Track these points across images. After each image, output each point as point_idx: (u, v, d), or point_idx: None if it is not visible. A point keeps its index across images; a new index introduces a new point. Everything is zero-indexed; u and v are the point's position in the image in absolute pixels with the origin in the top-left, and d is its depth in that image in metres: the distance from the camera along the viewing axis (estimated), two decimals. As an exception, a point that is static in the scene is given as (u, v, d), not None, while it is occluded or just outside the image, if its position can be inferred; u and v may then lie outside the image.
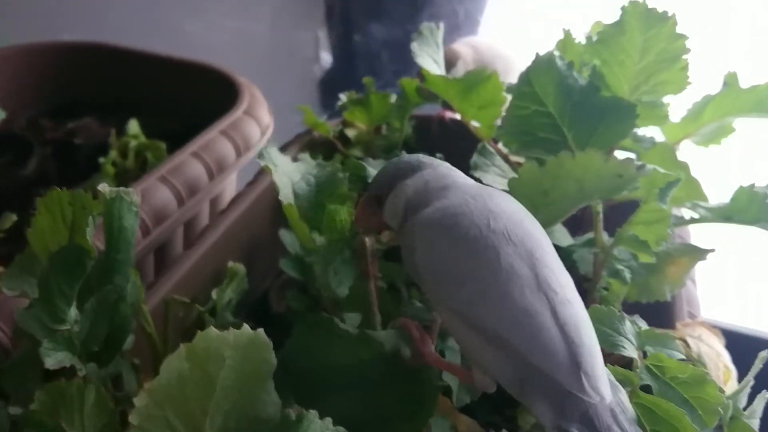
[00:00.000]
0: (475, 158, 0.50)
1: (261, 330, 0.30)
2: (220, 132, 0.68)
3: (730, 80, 0.51)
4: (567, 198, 0.39)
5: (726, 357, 0.47)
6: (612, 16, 0.58)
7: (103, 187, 0.35)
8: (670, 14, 0.42)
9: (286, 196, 0.41)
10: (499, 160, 0.50)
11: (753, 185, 0.43)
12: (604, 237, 0.44)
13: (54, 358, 0.31)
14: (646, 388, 0.34)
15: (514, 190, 0.41)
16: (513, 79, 0.70)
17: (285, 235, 0.59)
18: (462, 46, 0.69)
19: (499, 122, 0.59)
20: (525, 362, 0.30)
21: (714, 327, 0.49)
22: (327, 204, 0.42)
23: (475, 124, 0.61)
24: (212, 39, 1.07)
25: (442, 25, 0.58)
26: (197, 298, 0.50)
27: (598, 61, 0.46)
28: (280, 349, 0.55)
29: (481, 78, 0.56)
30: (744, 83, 0.51)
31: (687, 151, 0.55)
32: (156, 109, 0.82)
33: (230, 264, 0.53)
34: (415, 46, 0.55)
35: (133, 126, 0.74)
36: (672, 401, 0.32)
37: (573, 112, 0.45)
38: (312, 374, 0.36)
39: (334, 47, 0.92)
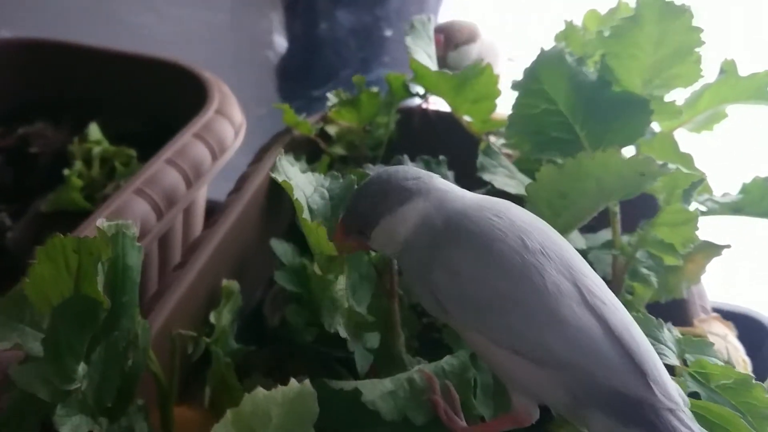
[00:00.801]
0: (481, 159, 0.48)
1: (307, 382, 0.27)
2: (194, 135, 0.64)
3: (728, 68, 0.50)
4: (587, 199, 0.38)
5: (742, 349, 0.47)
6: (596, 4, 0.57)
7: (102, 223, 0.31)
8: (686, 7, 0.40)
9: (306, 214, 0.38)
10: (505, 161, 0.48)
11: (766, 177, 0.43)
12: (623, 238, 0.43)
13: (70, 425, 0.28)
14: (692, 396, 0.34)
15: (532, 194, 0.39)
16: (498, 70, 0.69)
17: (277, 245, 0.56)
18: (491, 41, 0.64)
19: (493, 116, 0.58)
20: (584, 380, 0.29)
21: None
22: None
23: (467, 118, 0.59)
24: (162, 30, 1.01)
25: (433, 17, 0.55)
26: (197, 324, 0.47)
27: (606, 55, 0.45)
28: (282, 366, 0.53)
29: (475, 72, 0.54)
30: (742, 71, 0.50)
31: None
32: (114, 111, 0.76)
33: (225, 282, 0.50)
34: (408, 40, 0.52)
35: (94, 131, 0.68)
36: (721, 408, 0.32)
37: (585, 109, 0.44)
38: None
39: (294, 34, 0.88)
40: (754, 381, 0.33)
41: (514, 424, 0.32)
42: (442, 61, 0.64)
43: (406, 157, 0.48)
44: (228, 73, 0.79)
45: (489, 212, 0.32)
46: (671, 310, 0.46)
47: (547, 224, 0.33)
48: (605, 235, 0.47)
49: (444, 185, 0.35)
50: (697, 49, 0.42)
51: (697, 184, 0.38)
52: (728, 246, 0.44)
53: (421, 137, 0.69)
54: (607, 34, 0.43)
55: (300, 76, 0.91)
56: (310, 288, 0.54)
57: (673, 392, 0.29)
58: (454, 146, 0.63)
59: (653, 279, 0.40)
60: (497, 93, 0.55)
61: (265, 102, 1.02)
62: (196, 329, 0.48)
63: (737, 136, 0.58)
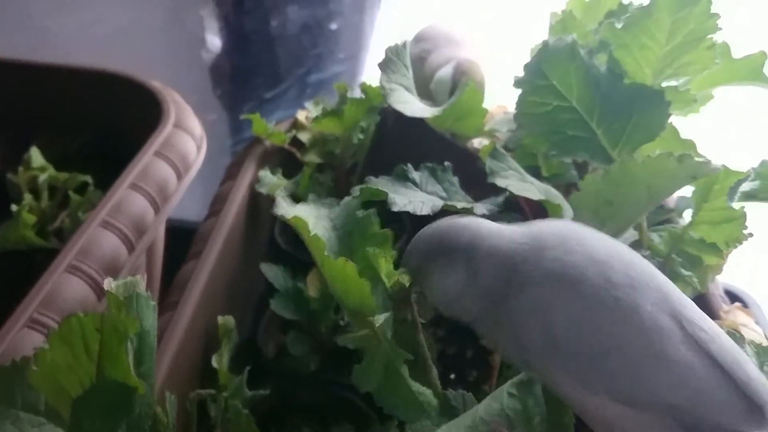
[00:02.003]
0: (490, 163, 0.45)
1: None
2: (155, 154, 0.58)
3: (721, 50, 0.49)
4: (634, 205, 0.36)
5: (762, 334, 0.46)
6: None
7: (110, 285, 0.26)
8: (705, -7, 0.39)
9: (327, 252, 0.34)
10: (513, 162, 0.45)
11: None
12: (654, 238, 0.41)
13: None
14: None
15: (576, 205, 0.37)
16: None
17: (268, 270, 0.52)
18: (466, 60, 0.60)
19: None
20: (691, 421, 0.27)
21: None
22: (360, 248, 0.36)
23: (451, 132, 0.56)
24: (87, 35, 0.92)
25: (408, 42, 0.52)
26: (197, 370, 0.42)
27: (614, 46, 0.43)
28: (288, 402, 0.49)
29: (455, 97, 0.51)
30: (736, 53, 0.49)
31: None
32: (53, 132, 0.68)
33: (221, 320, 0.45)
34: (383, 79, 0.48)
35: (36, 156, 0.61)
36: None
37: (601, 105, 0.42)
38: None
39: (241, 32, 0.82)
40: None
41: None
42: (422, 84, 0.60)
43: (410, 166, 0.45)
44: (164, 79, 0.72)
45: (556, 249, 0.29)
46: (696, 303, 0.44)
47: (624, 245, 0.30)
48: (628, 235, 0.45)
49: (494, 229, 0.31)
50: (710, 36, 0.41)
51: (742, 180, 0.36)
52: (752, 235, 0.43)
53: (393, 136, 0.66)
54: (619, 25, 0.41)
55: (248, 78, 0.86)
56: (309, 312, 0.51)
57: None
58: (429, 146, 0.60)
59: (694, 280, 0.39)
60: (483, 110, 0.52)
61: (211, 107, 0.96)
62: (196, 376, 0.43)
63: (719, 117, 0.57)
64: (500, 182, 0.43)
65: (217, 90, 0.87)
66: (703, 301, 0.45)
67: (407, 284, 0.34)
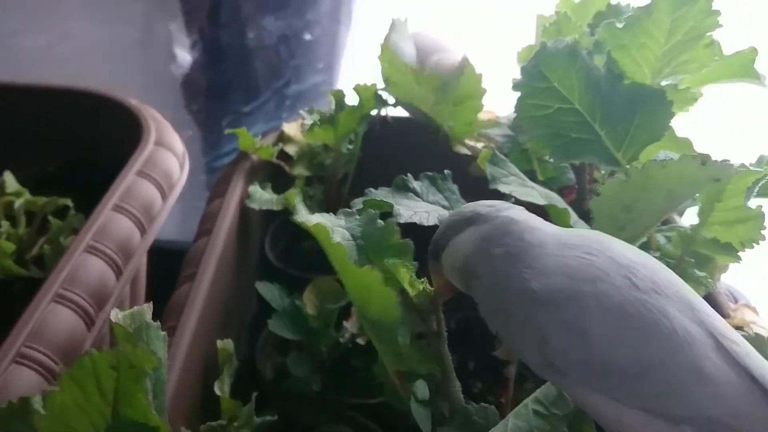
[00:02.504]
0: (491, 170, 0.44)
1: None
2: (138, 173, 0.56)
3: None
4: (653, 210, 0.35)
5: (769, 331, 0.46)
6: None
7: (116, 316, 0.25)
8: (705, -10, 0.38)
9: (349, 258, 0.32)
10: (513, 167, 0.44)
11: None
12: (660, 239, 0.40)
13: None
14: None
15: (596, 210, 0.36)
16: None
17: (264, 289, 0.50)
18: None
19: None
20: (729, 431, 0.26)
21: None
22: (378, 259, 0.34)
23: (449, 124, 0.55)
24: (54, 54, 0.89)
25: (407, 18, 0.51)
26: (196, 398, 0.40)
27: (611, 46, 0.42)
28: (283, 418, 0.47)
29: (455, 73, 0.50)
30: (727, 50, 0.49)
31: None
32: (27, 154, 0.66)
33: (220, 344, 0.43)
34: (392, 43, 0.47)
35: (10, 181, 0.58)
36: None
37: (603, 106, 0.41)
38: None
39: (217, 46, 0.81)
40: None
41: None
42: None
43: (410, 176, 0.44)
44: (134, 96, 0.70)
45: (579, 249, 0.28)
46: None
47: (647, 255, 0.30)
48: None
49: (520, 215, 0.31)
50: (709, 33, 0.40)
51: (760, 180, 0.36)
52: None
53: (380, 145, 0.65)
54: (620, 25, 0.40)
55: (225, 92, 0.84)
56: (309, 331, 0.49)
57: None
58: (418, 153, 0.59)
59: (709, 280, 0.38)
60: (482, 91, 0.51)
61: (184, 123, 0.93)
62: (198, 404, 0.41)
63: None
64: (503, 188, 0.42)
65: (193, 105, 0.85)
66: (711, 299, 0.45)
67: (431, 293, 0.33)
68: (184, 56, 1.02)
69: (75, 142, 0.66)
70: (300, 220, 0.33)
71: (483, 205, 0.32)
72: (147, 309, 0.26)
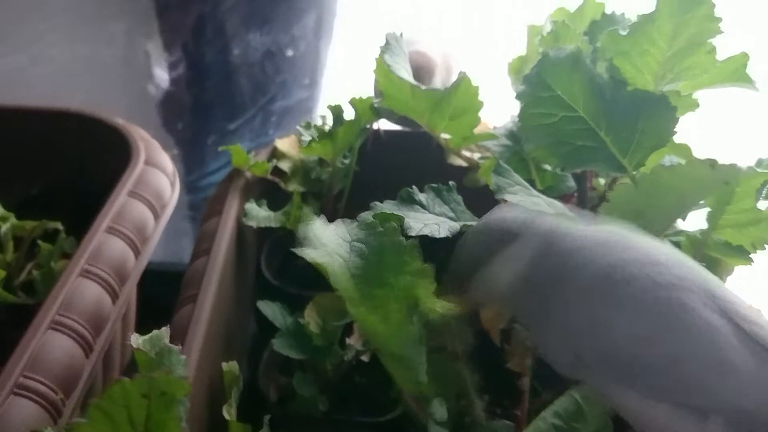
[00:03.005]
0: (496, 180, 0.43)
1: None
2: (129, 194, 0.54)
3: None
4: (665, 215, 0.35)
5: None
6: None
7: (137, 341, 0.24)
8: (707, -4, 0.39)
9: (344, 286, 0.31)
10: (517, 177, 0.44)
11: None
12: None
13: None
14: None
15: (607, 216, 0.36)
16: (444, 80, 0.65)
17: (266, 308, 0.49)
18: (430, 51, 0.59)
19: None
20: (757, 422, 0.26)
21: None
22: (394, 279, 0.33)
23: (445, 136, 0.55)
24: (33, 73, 0.88)
25: (403, 33, 0.50)
26: (202, 423, 0.39)
27: (614, 53, 0.42)
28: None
29: (452, 85, 0.50)
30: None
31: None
32: (9, 177, 0.64)
33: (226, 366, 0.42)
34: (387, 57, 0.47)
35: (-7, 205, 0.57)
36: None
37: (607, 113, 0.41)
38: None
39: (201, 63, 0.79)
40: None
41: None
42: None
43: (415, 188, 0.43)
44: (118, 116, 0.69)
45: (608, 246, 0.28)
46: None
47: (668, 245, 0.30)
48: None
49: (554, 225, 0.30)
50: (710, 40, 0.41)
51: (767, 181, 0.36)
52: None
53: (372, 159, 0.64)
54: (623, 32, 0.41)
55: (210, 110, 0.82)
56: (313, 350, 0.48)
57: None
58: (412, 166, 0.59)
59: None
60: (479, 105, 0.51)
61: (166, 143, 0.92)
62: (204, 429, 0.40)
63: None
64: (510, 198, 0.42)
65: (177, 123, 0.84)
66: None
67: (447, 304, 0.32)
68: (162, 76, 1.00)
69: (59, 164, 0.65)
70: (302, 236, 0.32)
71: (510, 220, 0.32)
72: (165, 332, 0.25)
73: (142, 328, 0.61)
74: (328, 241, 0.34)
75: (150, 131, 0.66)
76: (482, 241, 0.32)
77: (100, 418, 0.21)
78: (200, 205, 0.95)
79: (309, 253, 0.33)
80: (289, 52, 0.79)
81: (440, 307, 0.33)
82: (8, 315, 0.53)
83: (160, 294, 0.53)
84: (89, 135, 0.64)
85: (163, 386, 0.21)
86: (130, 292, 0.51)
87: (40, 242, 0.53)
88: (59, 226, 0.55)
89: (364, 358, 0.51)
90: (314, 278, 0.59)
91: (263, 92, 0.80)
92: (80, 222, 0.56)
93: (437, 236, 0.38)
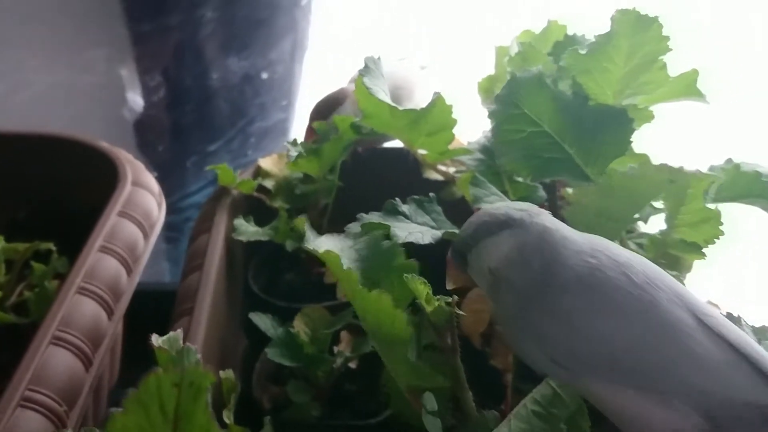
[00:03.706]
0: (473, 191, 0.47)
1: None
2: (119, 214, 0.56)
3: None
4: (623, 213, 0.39)
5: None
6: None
7: (157, 341, 0.26)
8: (657, 17, 0.43)
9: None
10: (493, 188, 0.48)
11: (738, 164, 0.46)
12: (631, 245, 0.44)
13: None
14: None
15: (571, 219, 0.39)
16: (420, 99, 0.68)
17: (258, 319, 0.51)
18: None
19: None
20: (721, 404, 0.29)
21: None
22: (385, 278, 0.36)
23: (422, 152, 0.58)
24: (12, 101, 0.89)
25: (382, 56, 0.53)
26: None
27: (576, 71, 0.46)
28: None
29: (428, 105, 0.53)
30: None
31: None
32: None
33: (223, 374, 0.44)
34: (366, 81, 0.50)
35: (-15, 229, 0.58)
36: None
37: (570, 127, 0.45)
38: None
39: (181, 87, 0.82)
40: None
41: None
42: None
43: (398, 200, 0.46)
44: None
45: (580, 256, 0.31)
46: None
47: (635, 253, 0.33)
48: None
49: (552, 223, 0.33)
50: (661, 57, 0.45)
51: (714, 183, 0.40)
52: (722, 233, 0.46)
53: (351, 176, 0.67)
54: (583, 51, 0.44)
55: (190, 132, 0.84)
56: (305, 358, 0.50)
57: None
58: (390, 181, 0.62)
59: (681, 278, 0.42)
60: (453, 122, 0.54)
61: (152, 165, 0.93)
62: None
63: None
64: (484, 206, 0.45)
65: (158, 146, 0.86)
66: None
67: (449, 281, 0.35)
68: (138, 101, 1.02)
69: (45, 188, 0.66)
70: (310, 248, 0.35)
71: (516, 209, 0.34)
72: (179, 334, 0.27)
73: (126, 346, 0.63)
74: (325, 245, 0.36)
75: (130, 154, 0.67)
76: (485, 221, 0.34)
77: (135, 409, 0.23)
78: (181, 227, 0.97)
79: (321, 244, 0.35)
80: (267, 75, 0.81)
81: (434, 302, 0.35)
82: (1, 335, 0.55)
83: (141, 313, 0.55)
84: (74, 158, 0.66)
85: (192, 377, 0.23)
86: (125, 308, 0.53)
87: (33, 263, 0.54)
88: (52, 246, 0.56)
89: (352, 365, 0.53)
90: (300, 293, 0.62)
91: (242, 114, 0.83)
92: (69, 244, 0.58)
93: (422, 242, 0.41)
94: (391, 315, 0.33)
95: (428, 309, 0.34)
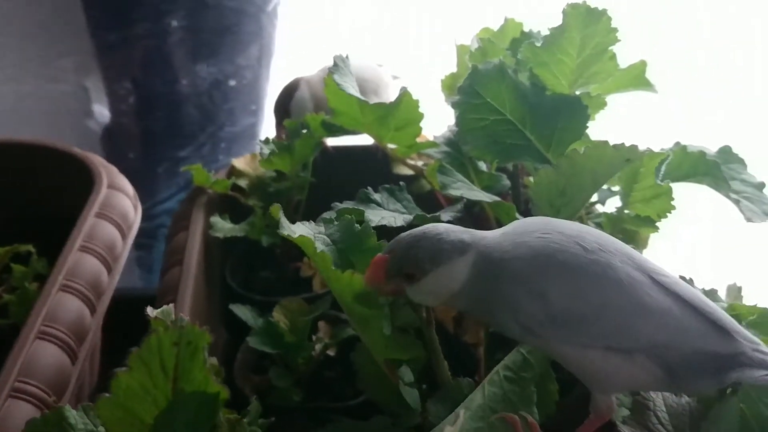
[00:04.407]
0: (441, 179, 0.49)
1: None
2: (97, 215, 0.57)
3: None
4: (582, 191, 0.41)
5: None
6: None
7: (152, 312, 0.28)
8: (605, 10, 0.46)
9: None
10: (459, 175, 0.50)
11: (685, 146, 0.49)
12: (590, 224, 0.47)
13: None
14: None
15: (534, 197, 0.42)
16: (388, 93, 0.71)
17: (239, 310, 0.53)
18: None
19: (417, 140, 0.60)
20: (678, 354, 0.32)
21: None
22: (359, 260, 0.38)
23: (391, 146, 0.60)
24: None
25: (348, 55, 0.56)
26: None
27: (533, 63, 0.49)
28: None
29: (396, 101, 0.55)
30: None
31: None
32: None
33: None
34: (336, 78, 0.52)
35: (-40, 235, 0.58)
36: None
37: (530, 115, 0.48)
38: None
39: (151, 94, 0.83)
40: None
41: (601, 422, 0.34)
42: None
43: (370, 189, 0.48)
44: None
45: (534, 233, 0.34)
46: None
47: (585, 225, 0.35)
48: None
49: (484, 233, 0.36)
50: (611, 48, 0.48)
51: (664, 160, 0.43)
52: (674, 207, 0.49)
53: (320, 173, 0.69)
54: (539, 44, 0.47)
55: (161, 139, 0.85)
56: (285, 346, 0.52)
57: (749, 334, 0.32)
58: (360, 177, 0.64)
59: (638, 251, 0.45)
60: (420, 117, 0.57)
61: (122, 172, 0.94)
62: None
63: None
64: (454, 192, 0.48)
65: (129, 154, 0.87)
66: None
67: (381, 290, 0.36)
68: (106, 109, 1.02)
69: (19, 194, 0.67)
70: (285, 233, 0.37)
71: (459, 234, 0.35)
72: (171, 308, 0.29)
73: (107, 349, 0.63)
74: (299, 231, 0.38)
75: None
76: (444, 249, 0.34)
77: (138, 366, 0.24)
78: (153, 233, 0.97)
79: (295, 230, 0.37)
80: (236, 81, 0.83)
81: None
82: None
83: (115, 318, 0.56)
84: (49, 165, 0.66)
85: (190, 336, 0.24)
86: (107, 306, 0.54)
87: (12, 265, 0.55)
88: (31, 248, 0.57)
89: (330, 352, 0.55)
90: (276, 289, 0.64)
91: (212, 120, 0.84)
92: (47, 248, 0.58)
93: (395, 225, 0.43)
94: (364, 293, 0.35)
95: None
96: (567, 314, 0.33)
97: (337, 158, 0.72)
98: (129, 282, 0.95)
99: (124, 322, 0.52)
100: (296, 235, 0.36)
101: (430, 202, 0.60)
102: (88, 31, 0.81)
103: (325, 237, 0.39)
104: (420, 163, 0.63)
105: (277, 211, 0.37)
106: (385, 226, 0.45)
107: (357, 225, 0.40)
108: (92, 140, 0.96)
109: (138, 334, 0.36)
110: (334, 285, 0.36)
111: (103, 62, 0.81)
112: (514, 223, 0.37)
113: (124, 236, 0.59)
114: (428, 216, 0.45)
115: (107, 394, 0.25)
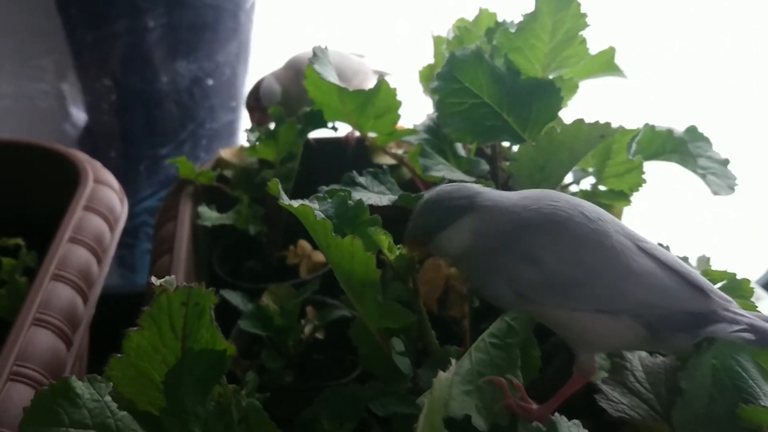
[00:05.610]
0: (423, 162, 0.51)
1: None
2: (85, 208, 0.58)
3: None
4: (561, 167, 0.43)
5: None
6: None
7: (156, 281, 0.29)
8: (575, -3, 0.48)
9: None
10: (440, 158, 0.52)
11: (653, 125, 0.52)
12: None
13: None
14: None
15: (516, 172, 0.44)
16: (367, 81, 0.73)
17: (230, 296, 0.54)
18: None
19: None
20: (660, 313, 0.34)
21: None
22: (353, 233, 0.40)
23: (371, 135, 0.62)
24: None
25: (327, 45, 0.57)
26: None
27: (508, 48, 0.51)
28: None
29: (374, 89, 0.57)
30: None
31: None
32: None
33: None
34: (317, 68, 0.54)
35: (-54, 232, 0.59)
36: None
37: (507, 98, 0.50)
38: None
39: (130, 92, 0.83)
40: (739, 278, 0.40)
41: (585, 381, 0.36)
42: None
43: (355, 173, 0.50)
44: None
45: (544, 201, 0.36)
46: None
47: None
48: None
49: (493, 195, 0.37)
50: (581, 33, 0.50)
51: (635, 137, 0.45)
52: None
53: (304, 165, 0.70)
54: (513, 30, 0.50)
55: (142, 137, 0.86)
56: (276, 328, 0.53)
57: (722, 294, 0.35)
58: (343, 168, 0.65)
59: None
60: (398, 104, 0.58)
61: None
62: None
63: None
64: (436, 173, 0.50)
65: (110, 152, 0.87)
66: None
67: (409, 254, 0.39)
68: (85, 108, 1.02)
69: (5, 192, 0.67)
70: (285, 204, 0.38)
71: (462, 196, 0.37)
72: (173, 279, 0.30)
73: (93, 344, 0.64)
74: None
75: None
76: (437, 212, 0.37)
77: (148, 325, 0.25)
78: (135, 232, 0.98)
79: (293, 202, 0.39)
80: (214, 79, 0.84)
81: (396, 250, 0.39)
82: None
83: (98, 314, 0.57)
84: (34, 162, 0.67)
85: (197, 297, 0.26)
86: (98, 296, 0.54)
87: (2, 258, 0.55)
88: (20, 241, 0.57)
89: (319, 335, 0.56)
90: (262, 278, 0.65)
91: (192, 117, 0.85)
92: (35, 243, 0.59)
93: (380, 204, 0.45)
94: (363, 258, 0.37)
95: (391, 257, 0.38)
96: (564, 279, 0.35)
97: (320, 150, 0.73)
98: (111, 281, 0.95)
99: (109, 319, 0.53)
100: (296, 206, 0.37)
101: (410, 190, 0.62)
102: (66, 29, 0.81)
103: (322, 211, 0.41)
104: (400, 152, 0.65)
105: (275, 185, 0.38)
106: (371, 205, 0.47)
107: (350, 201, 0.41)
108: (72, 139, 0.96)
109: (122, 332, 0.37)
110: (334, 252, 0.37)
111: (82, 61, 0.82)
112: (523, 192, 0.39)
113: (111, 228, 0.60)
114: (412, 195, 0.46)
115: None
